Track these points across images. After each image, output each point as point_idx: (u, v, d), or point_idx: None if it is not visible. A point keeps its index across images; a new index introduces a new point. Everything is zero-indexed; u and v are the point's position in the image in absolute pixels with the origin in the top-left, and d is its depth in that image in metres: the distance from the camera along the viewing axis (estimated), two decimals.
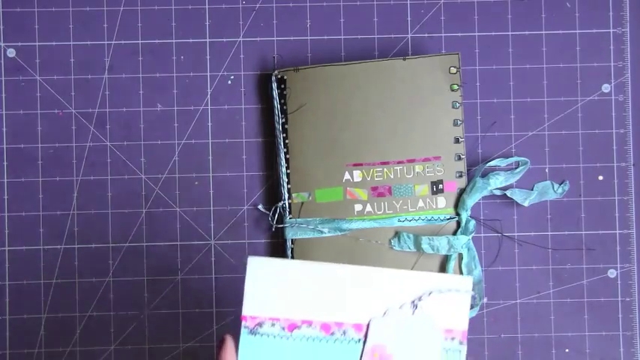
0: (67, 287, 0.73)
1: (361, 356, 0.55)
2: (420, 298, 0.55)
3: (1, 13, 0.74)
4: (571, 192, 0.77)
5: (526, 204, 0.74)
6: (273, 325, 0.55)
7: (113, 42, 0.74)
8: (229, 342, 0.54)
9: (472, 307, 0.67)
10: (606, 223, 0.75)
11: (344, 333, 0.55)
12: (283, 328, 0.55)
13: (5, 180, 0.73)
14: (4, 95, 0.73)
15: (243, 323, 0.55)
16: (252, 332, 0.54)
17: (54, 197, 0.73)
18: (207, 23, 0.75)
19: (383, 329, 0.55)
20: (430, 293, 0.55)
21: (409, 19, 0.75)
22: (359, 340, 0.55)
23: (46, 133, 0.73)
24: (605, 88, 0.75)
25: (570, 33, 0.76)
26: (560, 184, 0.76)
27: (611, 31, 0.75)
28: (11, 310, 0.73)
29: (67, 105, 0.73)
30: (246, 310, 0.55)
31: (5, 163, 0.73)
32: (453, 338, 0.56)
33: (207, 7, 0.75)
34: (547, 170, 0.75)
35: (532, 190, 0.75)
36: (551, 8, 0.76)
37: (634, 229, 0.75)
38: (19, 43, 0.74)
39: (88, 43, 0.74)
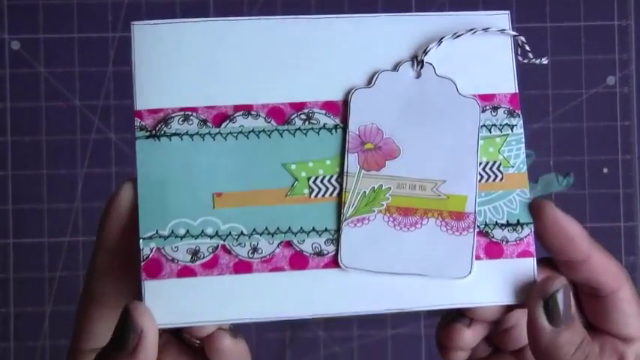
0: (72, 280, 0.70)
1: (344, 151, 0.35)
2: (424, 51, 0.35)
3: (5, 6, 0.70)
4: (575, 185, 0.76)
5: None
6: (186, 118, 0.34)
7: (118, 34, 0.71)
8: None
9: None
10: (611, 215, 0.72)
11: (308, 118, 0.35)
12: (204, 122, 0.34)
13: (10, 172, 0.70)
14: (8, 88, 0.70)
15: (136, 123, 0.34)
16: (155, 135, 0.34)
17: (58, 190, 0.70)
18: (212, 16, 0.71)
19: (372, 104, 0.35)
20: (440, 40, 0.35)
21: (414, 10, 0.77)
22: (335, 126, 0.35)
23: (50, 125, 0.70)
24: (610, 80, 0.72)
25: (575, 25, 0.72)
26: (564, 177, 0.75)
27: (616, 23, 0.72)
28: (15, 302, 0.70)
29: (71, 97, 0.70)
30: (141, 101, 0.34)
31: (10, 156, 0.70)
32: (495, 108, 0.36)
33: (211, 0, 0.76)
34: (551, 163, 0.72)
35: (536, 182, 0.71)
36: (555, 1, 0.72)
37: (639, 221, 0.72)
38: (24, 36, 0.70)
39: (93, 35, 0.71)
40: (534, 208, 0.35)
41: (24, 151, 0.70)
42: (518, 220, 0.35)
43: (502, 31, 0.36)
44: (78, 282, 0.70)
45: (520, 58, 0.36)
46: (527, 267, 0.35)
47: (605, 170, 0.72)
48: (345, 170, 0.35)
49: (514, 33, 0.36)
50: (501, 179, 0.35)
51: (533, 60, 0.36)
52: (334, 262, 0.34)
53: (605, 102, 0.72)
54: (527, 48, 0.36)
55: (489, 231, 0.35)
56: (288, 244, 0.34)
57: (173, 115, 0.34)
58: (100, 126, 0.71)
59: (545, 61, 0.36)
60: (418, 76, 0.36)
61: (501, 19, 0.36)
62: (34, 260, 0.70)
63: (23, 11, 0.71)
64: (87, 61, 0.71)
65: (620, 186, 0.72)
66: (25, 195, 0.70)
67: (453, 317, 0.36)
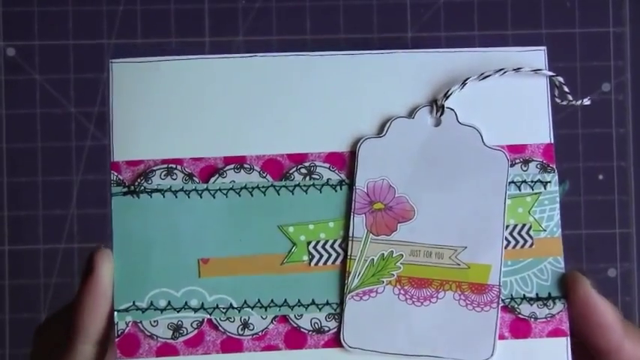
0: (67, 287, 0.69)
1: (350, 211, 0.30)
2: (445, 94, 0.30)
3: (0, 13, 0.69)
4: (571, 191, 0.76)
5: None
6: (170, 172, 0.30)
7: (113, 41, 0.69)
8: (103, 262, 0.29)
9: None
10: (606, 222, 0.70)
11: (309, 173, 0.30)
12: (190, 176, 0.30)
13: (5, 179, 0.68)
14: (3, 94, 0.68)
15: (112, 177, 0.30)
16: (133, 191, 0.30)
17: (53, 197, 0.68)
18: (207, 23, 0.72)
19: (383, 156, 0.30)
20: (464, 82, 0.30)
21: (409, 18, 0.72)
22: (340, 182, 0.30)
23: (45, 132, 0.68)
24: (605, 87, 0.70)
25: (570, 32, 0.70)
26: (560, 184, 0.75)
27: (611, 30, 0.70)
28: (11, 309, 0.68)
29: (66, 104, 0.68)
30: (118, 151, 0.30)
31: (5, 163, 0.69)
32: (526, 161, 0.31)
33: (206, 6, 0.71)
34: None
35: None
36: (550, 7, 0.70)
37: (634, 228, 0.70)
38: (19, 42, 0.69)
39: (88, 42, 0.69)
40: (566, 280, 0.30)
41: (19, 158, 0.70)
42: (549, 294, 0.30)
43: (537, 71, 0.31)
44: (73, 289, 0.70)
45: (558, 99, 0.31)
46: (560, 348, 0.30)
47: (601, 177, 0.72)
48: (351, 234, 0.30)
49: (551, 73, 0.31)
50: (531, 245, 0.31)
51: (573, 102, 0.31)
52: (336, 341, 0.30)
53: (601, 109, 0.72)
54: (566, 89, 0.31)
55: (516, 306, 0.30)
56: (284, 319, 0.30)
57: (154, 168, 0.30)
58: (96, 133, 0.70)
59: (587, 101, 0.32)
60: (437, 123, 0.31)
61: (536, 56, 0.31)
62: (29, 267, 0.70)
63: (18, 18, 0.71)
64: (82, 68, 0.70)
65: (616, 193, 0.72)
66: (21, 202, 0.70)
67: None
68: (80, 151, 0.71)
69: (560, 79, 0.31)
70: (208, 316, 0.30)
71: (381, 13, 0.73)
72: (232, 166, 0.30)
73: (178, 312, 0.30)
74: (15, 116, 0.71)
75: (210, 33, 0.72)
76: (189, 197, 0.30)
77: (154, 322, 0.30)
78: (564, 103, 0.31)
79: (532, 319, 0.30)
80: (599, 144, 0.73)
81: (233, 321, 0.30)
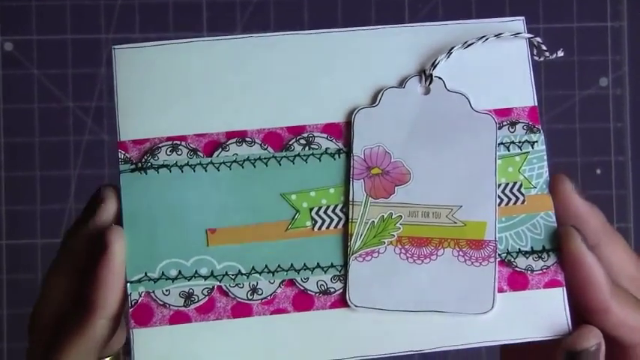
0: None
1: (349, 177, 0.32)
2: (433, 64, 0.32)
3: None
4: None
5: None
6: (175, 148, 0.32)
7: (110, 36, 0.69)
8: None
9: None
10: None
11: (308, 143, 0.32)
12: (195, 151, 0.32)
13: (2, 174, 0.69)
14: (1, 89, 0.69)
15: (120, 155, 0.32)
16: (141, 167, 0.31)
17: (51, 191, 0.69)
18: (205, 17, 0.71)
19: (378, 125, 0.32)
20: (450, 51, 0.32)
21: (407, 13, 0.72)
22: (338, 151, 0.32)
23: (43, 126, 0.69)
24: (603, 81, 0.71)
25: (568, 27, 0.71)
26: None
27: (609, 24, 0.71)
28: (8, 304, 0.68)
29: (64, 99, 0.69)
30: (125, 131, 0.32)
31: (2, 157, 0.69)
32: (513, 123, 0.32)
33: (204, 0, 0.74)
34: None
35: None
36: (548, 2, 0.71)
37: (631, 222, 0.70)
38: (17, 37, 0.69)
39: (86, 36, 0.70)
40: (559, 234, 0.31)
41: (17, 153, 0.70)
42: (543, 247, 0.32)
43: (516, 34, 0.32)
44: None
45: (536, 57, 0.33)
46: (557, 298, 0.31)
47: (599, 171, 0.72)
48: (351, 199, 0.32)
49: (529, 35, 0.32)
50: (523, 202, 0.32)
51: (549, 56, 0.33)
52: (342, 301, 0.31)
53: (598, 103, 0.72)
54: (544, 47, 0.33)
55: (512, 260, 0.31)
56: (291, 282, 0.31)
57: (160, 145, 0.32)
58: (93, 127, 0.71)
59: (561, 53, 0.33)
60: (427, 92, 0.32)
61: (516, 25, 0.33)
62: (27, 261, 0.70)
63: (16, 13, 0.71)
64: (80, 62, 0.71)
65: (613, 187, 0.72)
66: (18, 196, 0.70)
67: None
68: (78, 145, 0.71)
69: (538, 39, 0.33)
70: (218, 283, 0.31)
71: (378, 7, 0.73)
72: (234, 140, 0.32)
73: (189, 280, 0.31)
74: (13, 111, 0.71)
75: (208, 27, 0.72)
76: (194, 171, 0.32)
77: (166, 291, 0.31)
78: (541, 59, 0.33)
79: (528, 272, 0.31)
80: (597, 138, 0.73)
81: (242, 287, 0.31)
